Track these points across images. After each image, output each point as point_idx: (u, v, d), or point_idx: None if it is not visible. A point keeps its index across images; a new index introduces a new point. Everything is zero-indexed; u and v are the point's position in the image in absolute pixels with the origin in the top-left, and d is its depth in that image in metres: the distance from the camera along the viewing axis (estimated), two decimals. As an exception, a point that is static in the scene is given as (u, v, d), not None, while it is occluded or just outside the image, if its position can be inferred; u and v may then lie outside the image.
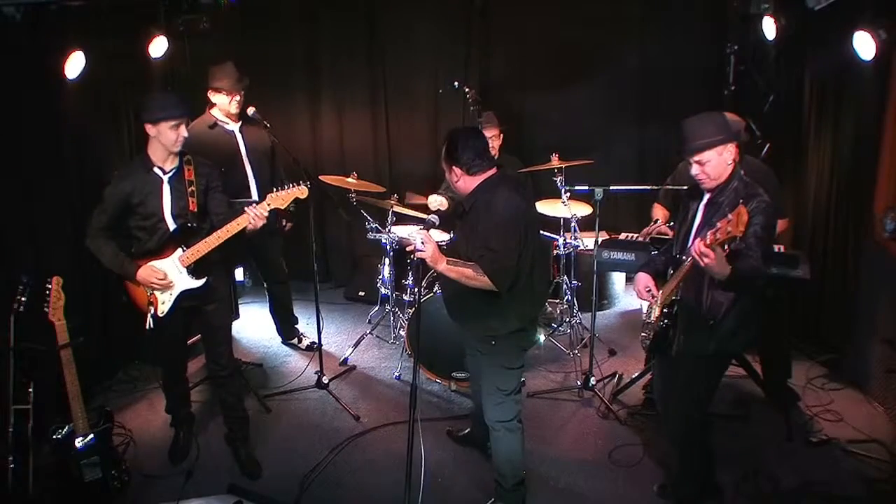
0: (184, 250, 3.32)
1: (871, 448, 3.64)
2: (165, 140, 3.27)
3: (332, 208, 5.62)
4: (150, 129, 3.28)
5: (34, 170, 3.91)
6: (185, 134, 3.31)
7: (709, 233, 2.50)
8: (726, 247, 2.48)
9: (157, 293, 3.36)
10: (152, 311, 3.36)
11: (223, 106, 4.38)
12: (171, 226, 3.35)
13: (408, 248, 2.80)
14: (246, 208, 3.27)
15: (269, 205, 3.29)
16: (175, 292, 3.38)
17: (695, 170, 2.81)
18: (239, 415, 3.76)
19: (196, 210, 3.37)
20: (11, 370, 3.23)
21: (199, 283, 3.39)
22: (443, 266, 2.82)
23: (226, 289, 3.65)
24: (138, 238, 3.38)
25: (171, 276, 3.34)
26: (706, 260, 2.50)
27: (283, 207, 3.36)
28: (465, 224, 2.99)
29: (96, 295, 4.28)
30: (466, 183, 2.96)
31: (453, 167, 2.95)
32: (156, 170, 3.34)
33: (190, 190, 3.36)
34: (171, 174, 3.36)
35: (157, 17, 4.56)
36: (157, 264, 3.32)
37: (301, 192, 3.37)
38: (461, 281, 2.86)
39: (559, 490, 3.48)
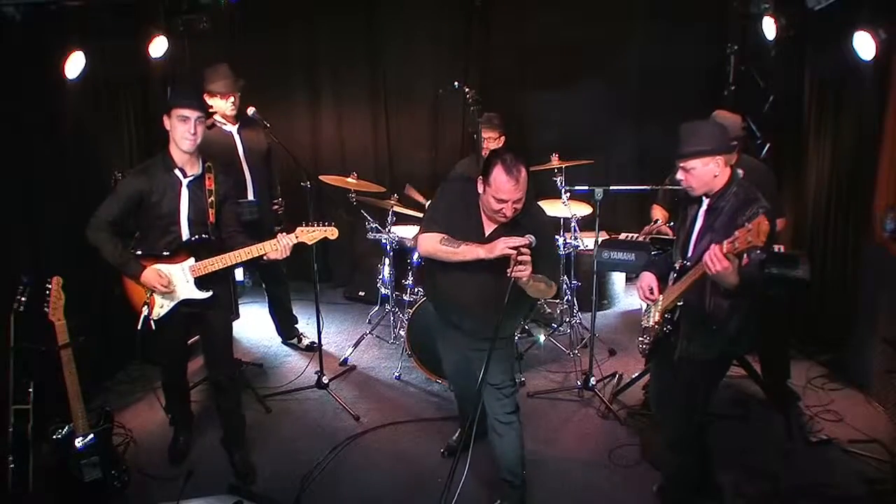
0: (196, 261, 3.28)
1: (871, 448, 3.64)
2: (175, 133, 3.17)
3: (332, 208, 5.62)
4: (166, 121, 3.20)
5: (34, 170, 3.91)
6: (197, 133, 3.18)
7: (725, 241, 2.48)
8: (745, 257, 2.47)
9: (156, 296, 3.32)
10: (146, 312, 3.31)
11: (220, 108, 4.36)
12: (186, 231, 3.30)
13: (509, 272, 2.71)
14: (278, 236, 3.21)
15: (296, 237, 3.25)
16: (176, 299, 3.34)
17: (680, 175, 2.84)
18: (235, 421, 3.71)
19: (214, 222, 3.31)
20: (11, 370, 3.22)
21: (206, 295, 3.34)
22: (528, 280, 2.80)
23: (228, 296, 3.61)
24: (146, 235, 3.33)
25: (176, 283, 3.29)
26: (718, 267, 2.48)
27: (310, 244, 3.31)
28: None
29: (96, 295, 4.28)
30: None
31: None
32: (176, 171, 3.26)
33: (210, 200, 3.30)
34: (191, 179, 3.29)
35: (157, 17, 4.56)
36: (165, 269, 3.26)
37: (332, 232, 3.31)
38: (536, 293, 2.88)
39: (559, 490, 3.48)
